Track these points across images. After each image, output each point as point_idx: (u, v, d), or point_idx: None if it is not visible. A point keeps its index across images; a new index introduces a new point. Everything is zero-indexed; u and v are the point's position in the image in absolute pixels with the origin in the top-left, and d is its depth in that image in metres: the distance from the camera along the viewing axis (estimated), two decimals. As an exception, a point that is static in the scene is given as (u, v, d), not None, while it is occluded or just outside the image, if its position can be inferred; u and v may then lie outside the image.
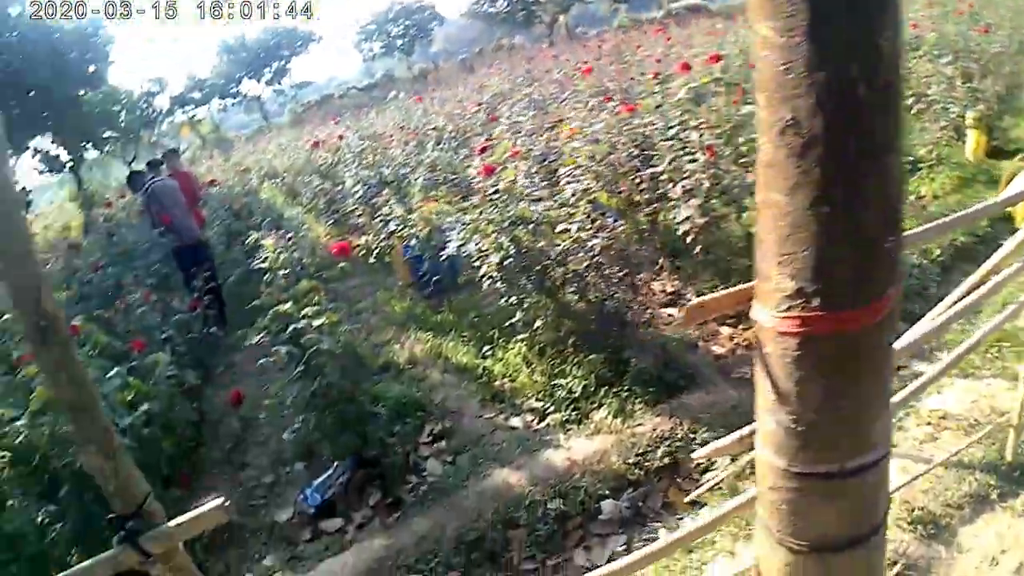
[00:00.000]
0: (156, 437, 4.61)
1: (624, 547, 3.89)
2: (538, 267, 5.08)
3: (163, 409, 4.83)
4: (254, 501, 5.05)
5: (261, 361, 4.94)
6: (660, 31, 16.37)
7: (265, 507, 4.91)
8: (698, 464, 4.17)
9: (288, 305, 4.41)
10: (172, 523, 2.02)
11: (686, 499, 3.90)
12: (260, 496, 5.07)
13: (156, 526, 2.02)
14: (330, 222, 10.12)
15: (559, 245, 5.01)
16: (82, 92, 16.20)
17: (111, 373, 4.56)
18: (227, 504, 2.01)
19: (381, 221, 7.38)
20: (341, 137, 11.66)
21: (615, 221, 5.37)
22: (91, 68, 16.76)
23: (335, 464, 4.79)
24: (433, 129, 10.84)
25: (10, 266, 1.83)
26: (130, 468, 2.01)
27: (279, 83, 48.17)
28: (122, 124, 18.57)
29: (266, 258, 4.89)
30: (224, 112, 47.96)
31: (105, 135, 18.49)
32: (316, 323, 4.32)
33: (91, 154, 20.31)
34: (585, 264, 5.03)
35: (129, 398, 4.46)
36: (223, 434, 6.02)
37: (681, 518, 3.91)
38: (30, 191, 18.66)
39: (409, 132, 10.86)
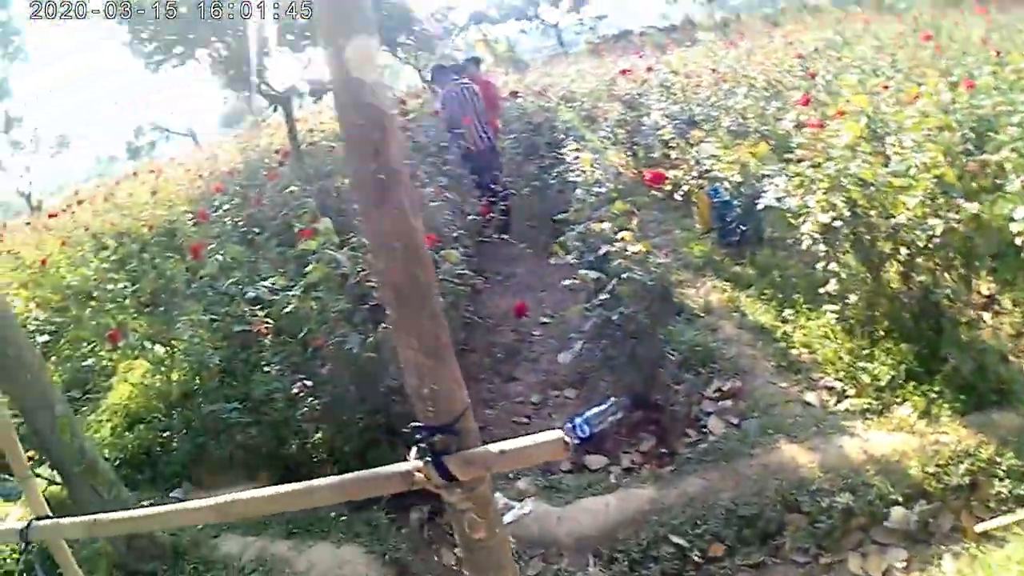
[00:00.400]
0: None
1: (904, 564, 3.43)
2: (867, 236, 4.57)
3: (446, 307, 4.83)
4: (517, 418, 5.01)
5: (566, 282, 4.76)
6: (983, 11, 14.54)
7: (527, 427, 4.84)
8: (999, 492, 3.59)
9: (604, 225, 4.21)
10: (495, 447, 1.66)
11: (977, 528, 3.42)
12: (524, 415, 5.05)
13: (467, 448, 1.67)
14: (629, 153, 9.89)
15: (891, 217, 4.44)
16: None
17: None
18: (568, 442, 1.67)
19: (693, 159, 7.02)
20: (650, 69, 11.35)
21: (966, 202, 4.73)
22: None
23: (610, 399, 4.62)
24: (744, 76, 10.33)
25: (350, 100, 1.49)
26: (453, 372, 1.66)
27: (578, 12, 48.17)
28: (418, 33, 19.28)
29: (581, 171, 4.73)
30: (522, 34, 48.85)
31: (400, 41, 19.25)
32: (631, 249, 4.08)
33: (384, 59, 21.39)
34: (922, 244, 4.41)
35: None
36: (496, 343, 6.03)
37: (968, 547, 3.37)
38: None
39: (720, 75, 10.35)
